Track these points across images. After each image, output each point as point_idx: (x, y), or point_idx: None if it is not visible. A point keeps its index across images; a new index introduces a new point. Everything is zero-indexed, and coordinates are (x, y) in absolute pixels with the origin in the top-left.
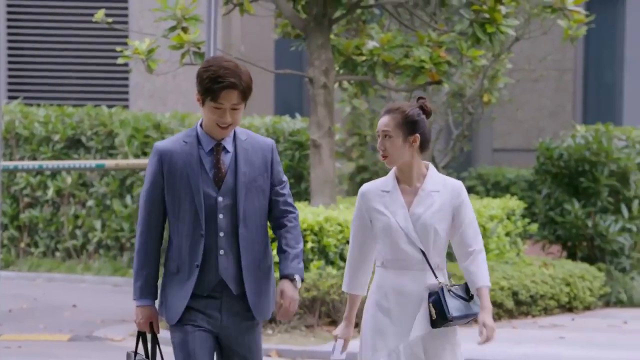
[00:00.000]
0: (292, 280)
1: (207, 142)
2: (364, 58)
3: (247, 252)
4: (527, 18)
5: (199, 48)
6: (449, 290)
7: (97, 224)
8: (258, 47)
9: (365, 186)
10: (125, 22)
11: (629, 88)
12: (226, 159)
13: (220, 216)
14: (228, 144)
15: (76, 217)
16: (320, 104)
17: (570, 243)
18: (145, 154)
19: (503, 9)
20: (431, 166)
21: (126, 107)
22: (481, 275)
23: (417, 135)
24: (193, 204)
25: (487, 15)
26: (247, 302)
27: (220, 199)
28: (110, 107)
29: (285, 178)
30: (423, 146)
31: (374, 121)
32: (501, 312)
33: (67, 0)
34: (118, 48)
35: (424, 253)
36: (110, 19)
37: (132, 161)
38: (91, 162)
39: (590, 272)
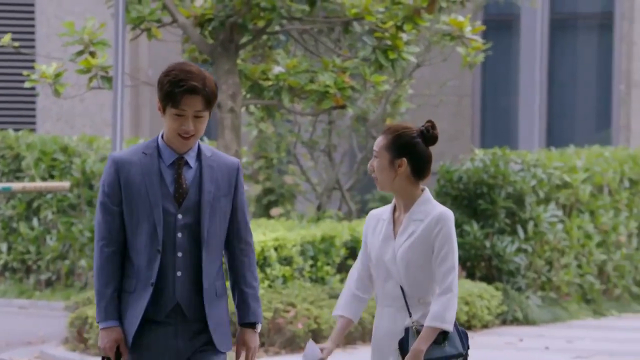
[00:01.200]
0: (254, 328)
1: (168, 154)
2: (270, 83)
3: (207, 276)
4: (428, 45)
5: (106, 72)
6: (417, 330)
7: (3, 247)
8: None
9: (370, 212)
10: (32, 47)
11: (523, 113)
12: (188, 175)
13: (179, 235)
14: (191, 159)
15: None
16: (228, 127)
17: (469, 263)
18: (52, 176)
19: (404, 36)
20: (426, 192)
21: (33, 130)
22: (434, 314)
23: (404, 159)
24: (151, 219)
25: (389, 42)
26: (205, 331)
27: (179, 216)
28: (17, 130)
29: (246, 203)
30: (417, 173)
31: (280, 144)
32: None
33: None
34: (25, 72)
35: (402, 288)
36: (17, 43)
37: (39, 184)
38: None
39: (488, 291)
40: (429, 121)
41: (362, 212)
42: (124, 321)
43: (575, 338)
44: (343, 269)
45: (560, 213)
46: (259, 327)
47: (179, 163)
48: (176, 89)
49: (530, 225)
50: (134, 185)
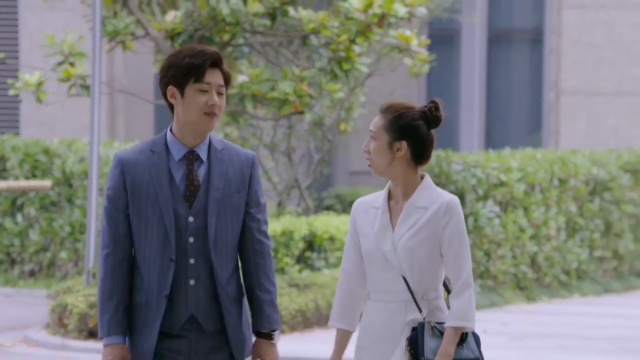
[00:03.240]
0: (270, 338)
1: (177, 149)
2: (235, 91)
3: (220, 282)
4: (378, 57)
5: (84, 81)
6: (434, 327)
7: None
8: (139, 80)
9: (358, 200)
10: (16, 57)
11: (464, 118)
12: (200, 171)
13: (191, 240)
14: (203, 152)
15: None
16: None
17: None
18: (35, 176)
19: (357, 49)
20: (427, 178)
21: (17, 134)
22: (457, 313)
23: (404, 142)
24: (162, 225)
25: (343, 54)
26: (221, 340)
27: (191, 219)
28: (2, 134)
29: (263, 200)
30: (417, 157)
31: (244, 146)
32: None
33: None
34: (9, 81)
35: (406, 281)
36: (2, 54)
37: (22, 183)
38: None
39: None
40: (433, 101)
41: (319, 208)
42: (136, 337)
43: (510, 321)
44: (301, 260)
45: (497, 209)
46: (276, 337)
47: (190, 157)
48: (199, 60)
49: (470, 220)
50: (142, 187)
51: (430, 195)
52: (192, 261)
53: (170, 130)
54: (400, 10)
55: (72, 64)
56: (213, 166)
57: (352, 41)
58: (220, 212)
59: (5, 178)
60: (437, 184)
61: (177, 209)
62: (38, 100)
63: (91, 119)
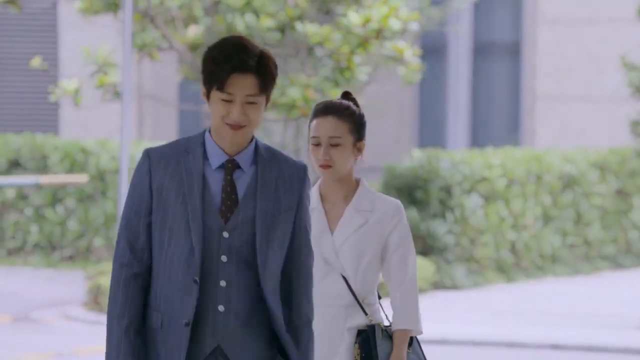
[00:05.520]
0: None
1: (216, 155)
2: None
3: (273, 311)
4: (375, 66)
5: (116, 87)
6: (384, 330)
7: (34, 228)
8: (164, 87)
9: None
10: (56, 67)
11: (451, 121)
12: (240, 182)
13: (224, 258)
14: (245, 161)
15: (17, 223)
16: None
17: None
18: (72, 172)
19: (357, 59)
20: (363, 181)
21: (57, 134)
22: (406, 316)
23: (364, 142)
24: (188, 238)
25: (344, 64)
26: None
27: (225, 234)
28: (44, 134)
29: (310, 220)
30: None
31: None
32: None
33: (9, 48)
34: (50, 87)
35: (349, 285)
36: (44, 64)
37: (61, 178)
38: (29, 179)
39: (424, 264)
40: (348, 93)
41: None
42: None
43: (492, 300)
44: None
45: (481, 201)
46: None
47: (229, 166)
48: (221, 66)
49: (457, 211)
50: (170, 191)
51: (372, 198)
52: (223, 284)
53: (209, 130)
54: (395, 25)
55: (105, 73)
56: (261, 178)
57: (353, 52)
58: (268, 232)
59: (46, 173)
60: (428, 179)
61: (209, 223)
62: (75, 105)
63: (122, 121)
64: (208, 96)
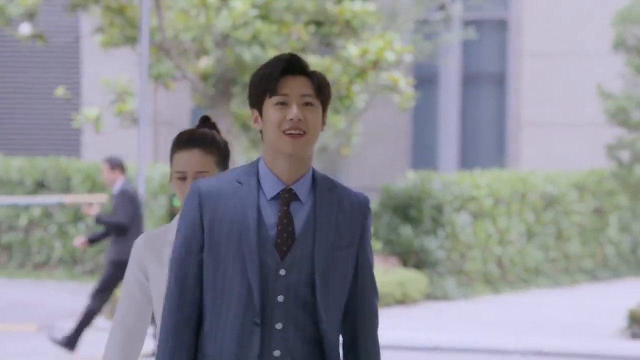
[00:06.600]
0: None
1: (270, 183)
2: None
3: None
4: (373, 94)
5: (133, 114)
6: None
7: (58, 244)
8: (178, 113)
9: (145, 236)
10: (79, 95)
11: (443, 145)
12: (298, 215)
13: (280, 298)
14: (302, 191)
15: (42, 239)
16: None
17: (403, 256)
18: (93, 192)
19: (356, 88)
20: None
21: (79, 157)
22: None
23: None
24: (245, 277)
25: (344, 92)
26: None
27: (282, 272)
28: (67, 157)
29: (372, 262)
30: None
31: None
32: None
33: (36, 79)
34: (72, 114)
35: None
36: (67, 93)
37: (83, 197)
38: (53, 199)
39: (417, 277)
40: (205, 118)
41: None
42: None
43: (481, 310)
44: None
45: (469, 219)
46: None
47: (285, 196)
48: (271, 72)
49: (448, 228)
50: (223, 226)
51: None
52: (279, 326)
53: (263, 158)
54: (390, 57)
55: (124, 101)
56: (318, 211)
57: (352, 82)
58: (326, 269)
59: (69, 193)
60: (421, 199)
61: (265, 259)
62: (96, 131)
63: (138, 145)
64: (260, 115)
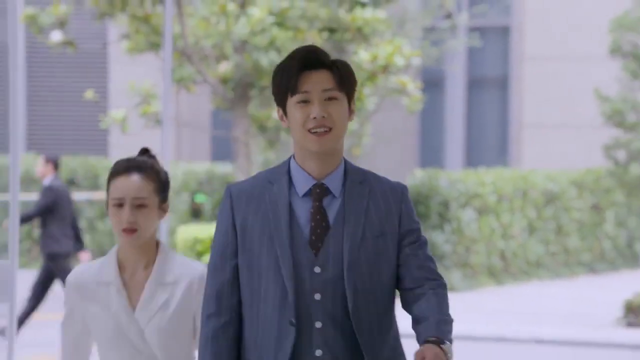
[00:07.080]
0: (440, 345)
1: (302, 180)
2: (272, 123)
3: (369, 354)
4: (382, 97)
5: (157, 116)
6: None
7: (88, 238)
8: (199, 116)
9: (74, 273)
10: (106, 98)
11: (449, 144)
12: (331, 209)
13: (317, 296)
14: (334, 185)
15: None
16: (242, 155)
17: None
18: None
19: (366, 91)
20: (163, 245)
21: (106, 157)
22: None
23: (168, 202)
24: (279, 277)
25: (356, 95)
26: None
27: (317, 269)
28: (96, 156)
29: (424, 238)
30: None
31: None
32: None
33: (66, 83)
34: (100, 116)
35: None
36: (96, 97)
37: None
38: (83, 195)
39: None
40: (144, 150)
41: None
42: None
43: (484, 301)
44: None
45: (474, 215)
46: (448, 349)
47: (318, 192)
48: (290, 68)
49: (454, 223)
50: (255, 228)
51: (174, 267)
52: (318, 325)
53: (294, 157)
54: (399, 61)
55: (148, 104)
56: (349, 203)
57: (362, 85)
58: (359, 261)
59: (98, 191)
60: (429, 195)
61: (299, 257)
62: (122, 131)
63: (162, 145)
64: (285, 114)
